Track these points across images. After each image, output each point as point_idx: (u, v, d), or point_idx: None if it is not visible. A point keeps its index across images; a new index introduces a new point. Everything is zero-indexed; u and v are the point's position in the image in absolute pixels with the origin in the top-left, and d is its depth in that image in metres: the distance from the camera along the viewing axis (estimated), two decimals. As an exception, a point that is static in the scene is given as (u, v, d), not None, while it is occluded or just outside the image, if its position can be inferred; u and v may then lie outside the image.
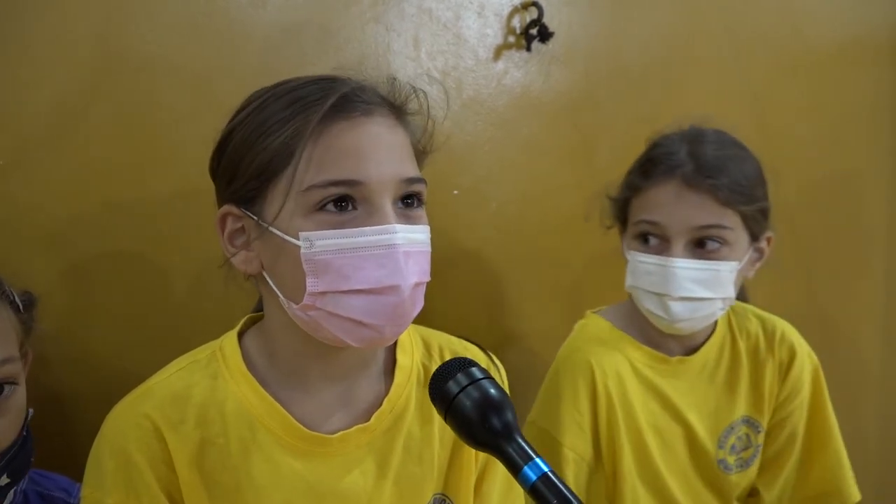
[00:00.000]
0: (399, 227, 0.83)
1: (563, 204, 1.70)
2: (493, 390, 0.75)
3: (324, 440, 0.90)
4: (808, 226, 2.08)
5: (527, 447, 0.72)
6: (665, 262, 1.20)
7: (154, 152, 1.27)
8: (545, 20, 1.59)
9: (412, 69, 1.50)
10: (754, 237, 1.26)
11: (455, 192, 1.57)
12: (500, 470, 1.01)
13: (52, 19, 1.19)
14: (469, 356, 1.02)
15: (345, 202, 0.82)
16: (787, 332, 1.38)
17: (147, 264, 1.27)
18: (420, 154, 0.93)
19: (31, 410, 0.99)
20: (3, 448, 0.92)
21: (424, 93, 0.93)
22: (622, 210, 1.31)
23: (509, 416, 0.74)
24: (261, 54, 1.34)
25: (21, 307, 1.00)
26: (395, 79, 0.92)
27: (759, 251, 1.29)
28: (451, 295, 1.58)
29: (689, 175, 1.20)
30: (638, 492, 1.28)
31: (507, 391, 1.05)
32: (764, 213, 1.26)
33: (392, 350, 0.99)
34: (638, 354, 1.32)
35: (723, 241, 1.21)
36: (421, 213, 0.88)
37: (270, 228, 0.84)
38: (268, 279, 0.88)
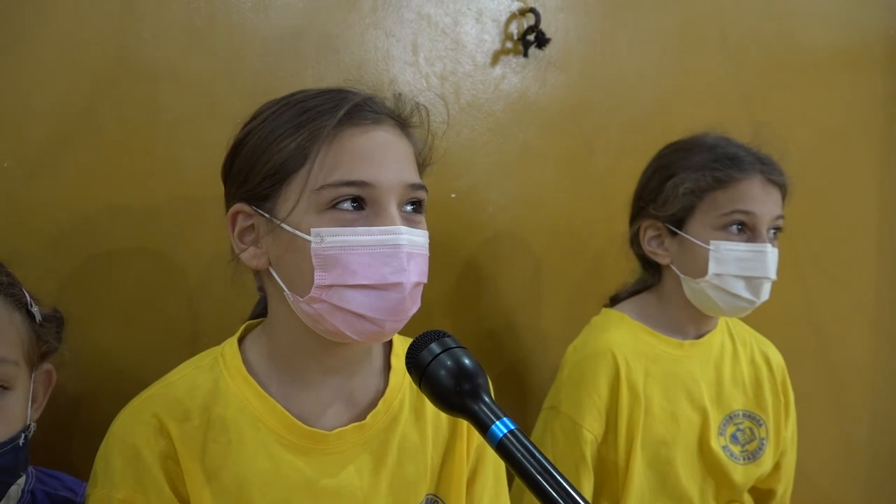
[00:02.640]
0: (404, 229, 0.89)
1: (559, 208, 1.72)
2: (465, 358, 0.78)
3: (321, 436, 0.94)
4: (801, 231, 2.09)
5: (495, 407, 0.75)
6: (762, 248, 1.33)
7: (156, 156, 1.27)
8: (542, 26, 1.61)
9: (411, 74, 1.52)
10: None
11: (452, 195, 1.58)
12: (490, 471, 1.05)
13: (55, 24, 1.20)
14: None
15: (354, 202, 0.88)
16: (778, 356, 1.53)
17: (149, 267, 1.28)
18: (420, 166, 0.98)
19: (33, 425, 0.96)
20: None
21: (427, 108, 0.99)
22: (697, 199, 1.36)
23: (480, 380, 0.77)
24: (261, 59, 1.35)
25: (38, 317, 0.97)
26: (400, 94, 0.98)
27: None
28: (448, 298, 1.59)
29: (766, 171, 1.35)
30: (644, 480, 1.35)
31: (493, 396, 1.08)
32: None
33: (387, 354, 1.03)
34: (656, 342, 1.40)
35: (781, 231, 1.38)
36: (422, 219, 0.94)
37: (283, 225, 0.88)
38: (274, 274, 0.92)
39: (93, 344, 1.23)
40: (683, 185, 1.37)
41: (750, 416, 1.44)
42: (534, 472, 0.70)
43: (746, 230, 1.34)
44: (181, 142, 1.29)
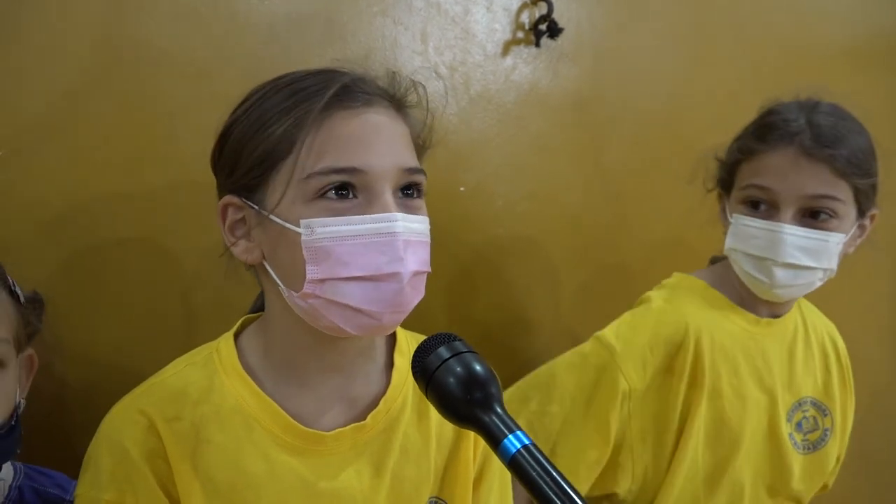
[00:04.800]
0: (399, 215, 0.83)
1: (570, 201, 1.69)
2: (476, 364, 0.73)
3: (319, 437, 0.90)
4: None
5: (508, 420, 0.70)
6: (773, 227, 1.21)
7: (154, 143, 1.25)
8: (554, 16, 1.58)
9: (419, 63, 1.48)
10: (861, 212, 1.27)
11: (461, 188, 1.55)
12: (496, 474, 1.02)
13: (51, 8, 1.17)
14: None
15: (345, 190, 0.83)
16: (844, 347, 1.45)
17: (145, 256, 1.26)
18: (419, 148, 0.94)
19: (22, 401, 0.96)
20: None
21: (424, 87, 0.94)
22: (730, 173, 1.31)
23: (492, 389, 0.72)
24: (264, 46, 1.33)
25: (21, 298, 0.97)
26: (394, 72, 0.93)
27: (862, 227, 1.30)
28: (456, 292, 1.56)
29: (807, 143, 1.20)
30: (699, 458, 1.28)
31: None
32: (874, 189, 1.27)
33: (390, 351, 0.99)
34: (733, 315, 1.32)
35: (833, 213, 1.22)
36: (420, 203, 0.89)
37: (271, 217, 0.84)
38: (268, 268, 0.88)
39: (89, 335, 1.22)
40: (727, 151, 1.33)
41: (816, 405, 1.37)
42: (549, 492, 0.64)
43: (769, 207, 1.23)
44: (181, 130, 1.26)
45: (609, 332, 1.30)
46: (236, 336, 0.96)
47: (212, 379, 0.91)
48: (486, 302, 1.62)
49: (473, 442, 0.99)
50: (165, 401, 0.88)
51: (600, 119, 1.72)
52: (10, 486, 0.97)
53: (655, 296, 1.36)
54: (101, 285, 1.22)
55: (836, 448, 1.39)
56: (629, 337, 1.28)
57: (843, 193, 1.22)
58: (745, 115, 1.90)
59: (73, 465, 0.97)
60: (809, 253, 1.21)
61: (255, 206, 0.86)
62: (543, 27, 1.58)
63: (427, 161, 0.95)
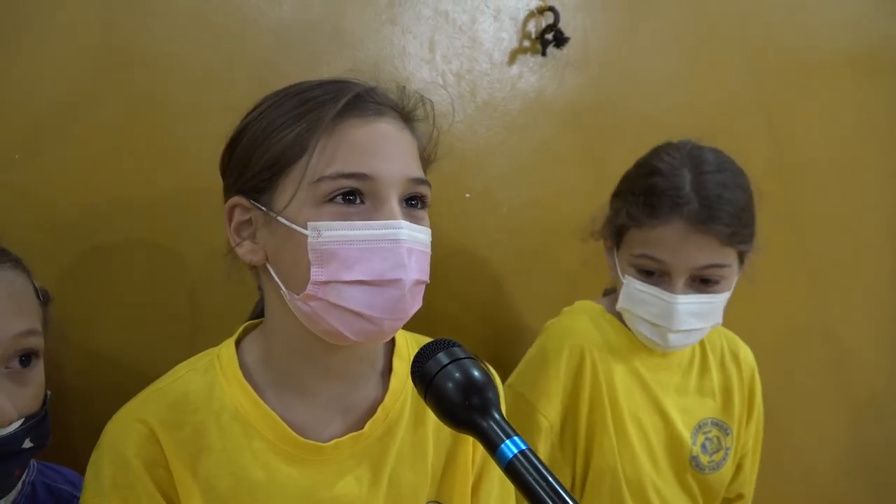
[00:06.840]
0: (404, 223, 0.85)
1: (574, 209, 1.69)
2: (474, 370, 0.74)
3: (318, 448, 0.91)
4: (815, 238, 2.07)
5: (505, 425, 0.71)
6: (667, 297, 1.24)
7: (163, 148, 1.26)
8: (560, 25, 1.59)
9: (427, 72, 1.50)
10: (741, 263, 1.31)
11: (467, 195, 1.56)
12: (496, 476, 1.02)
13: (61, 13, 1.19)
14: None
15: (353, 195, 0.85)
16: (748, 356, 1.47)
17: (154, 259, 1.27)
18: (424, 162, 0.95)
19: (48, 392, 0.97)
20: (28, 414, 0.90)
21: (432, 102, 0.96)
22: (618, 233, 1.33)
23: (490, 394, 0.73)
24: (272, 52, 1.34)
25: (39, 294, 0.98)
26: (404, 87, 0.94)
27: (741, 268, 1.33)
28: (461, 298, 1.57)
29: (694, 215, 1.21)
30: (618, 480, 1.29)
31: (502, 398, 1.05)
32: (752, 239, 1.30)
33: (389, 356, 1.00)
34: (626, 342, 1.35)
35: (721, 277, 1.26)
36: (424, 215, 0.91)
37: (279, 218, 0.86)
38: (270, 270, 0.89)
39: (95, 336, 1.22)
40: (615, 209, 1.33)
41: (718, 425, 1.40)
42: (546, 497, 0.66)
43: (661, 274, 1.25)
44: (189, 134, 1.27)
45: (515, 380, 1.35)
46: (237, 342, 0.96)
47: (212, 386, 0.91)
48: (490, 307, 1.63)
49: (472, 445, 1.00)
50: (166, 408, 0.89)
51: (605, 127, 1.73)
52: (24, 482, 0.98)
53: (552, 324, 1.40)
54: (108, 287, 1.23)
55: (731, 463, 1.40)
56: (533, 377, 1.32)
57: (729, 258, 1.25)
58: (749, 123, 1.93)
59: (77, 462, 0.99)
60: (701, 316, 1.26)
61: (263, 208, 0.88)
62: (550, 36, 1.60)
63: (432, 167, 0.97)
